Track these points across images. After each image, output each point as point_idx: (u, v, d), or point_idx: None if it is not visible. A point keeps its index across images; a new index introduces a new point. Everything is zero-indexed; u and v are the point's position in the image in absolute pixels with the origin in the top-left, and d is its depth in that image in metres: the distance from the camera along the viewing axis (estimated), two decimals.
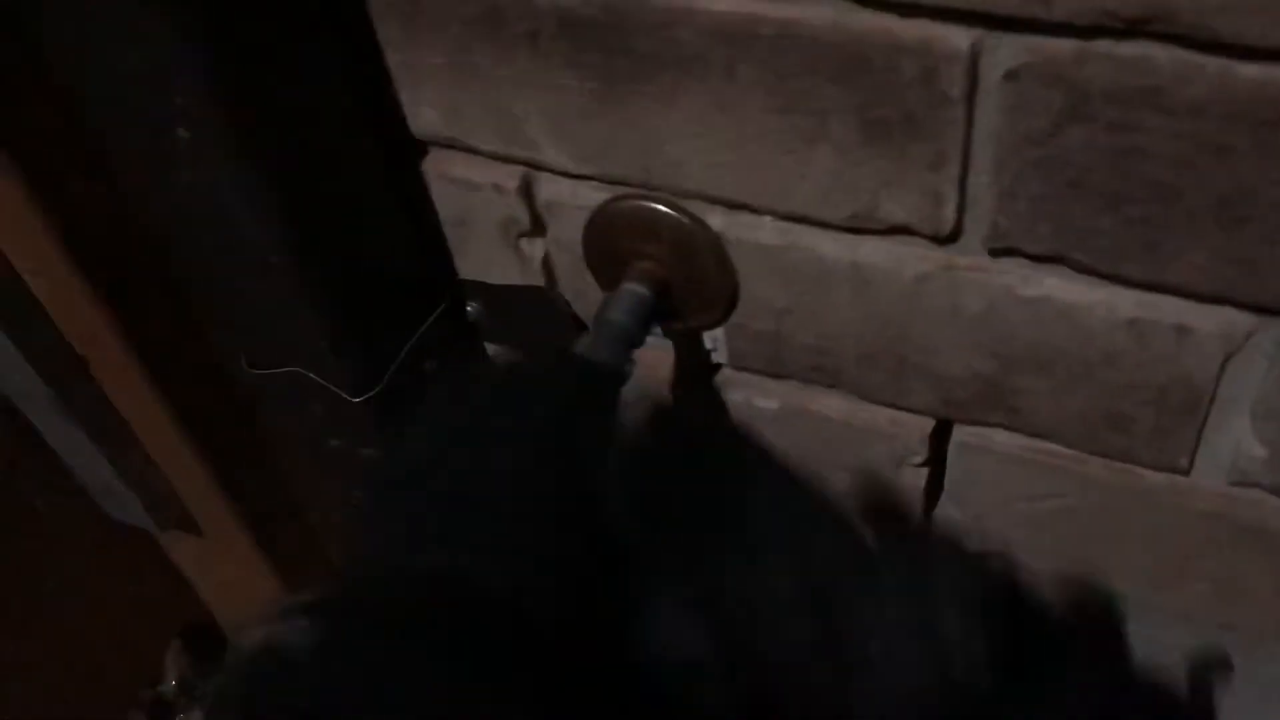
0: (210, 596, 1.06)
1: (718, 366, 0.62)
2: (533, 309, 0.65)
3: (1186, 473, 0.53)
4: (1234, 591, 0.56)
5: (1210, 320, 0.46)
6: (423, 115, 0.57)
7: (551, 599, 0.33)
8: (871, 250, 0.51)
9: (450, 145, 0.58)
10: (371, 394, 0.62)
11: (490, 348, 0.71)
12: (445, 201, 0.62)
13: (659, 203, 0.53)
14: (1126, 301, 0.47)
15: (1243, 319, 0.45)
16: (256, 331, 0.61)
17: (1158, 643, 0.63)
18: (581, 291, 0.62)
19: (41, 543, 0.91)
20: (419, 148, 0.60)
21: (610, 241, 0.56)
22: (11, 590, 0.92)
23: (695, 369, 0.63)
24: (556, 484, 0.38)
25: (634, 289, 0.54)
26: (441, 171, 0.60)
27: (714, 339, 0.60)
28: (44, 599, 0.95)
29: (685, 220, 0.53)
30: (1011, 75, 0.41)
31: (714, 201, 0.53)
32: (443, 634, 0.32)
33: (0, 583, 0.91)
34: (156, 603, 1.05)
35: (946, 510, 0.63)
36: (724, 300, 0.56)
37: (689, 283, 0.55)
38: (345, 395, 0.62)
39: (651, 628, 0.35)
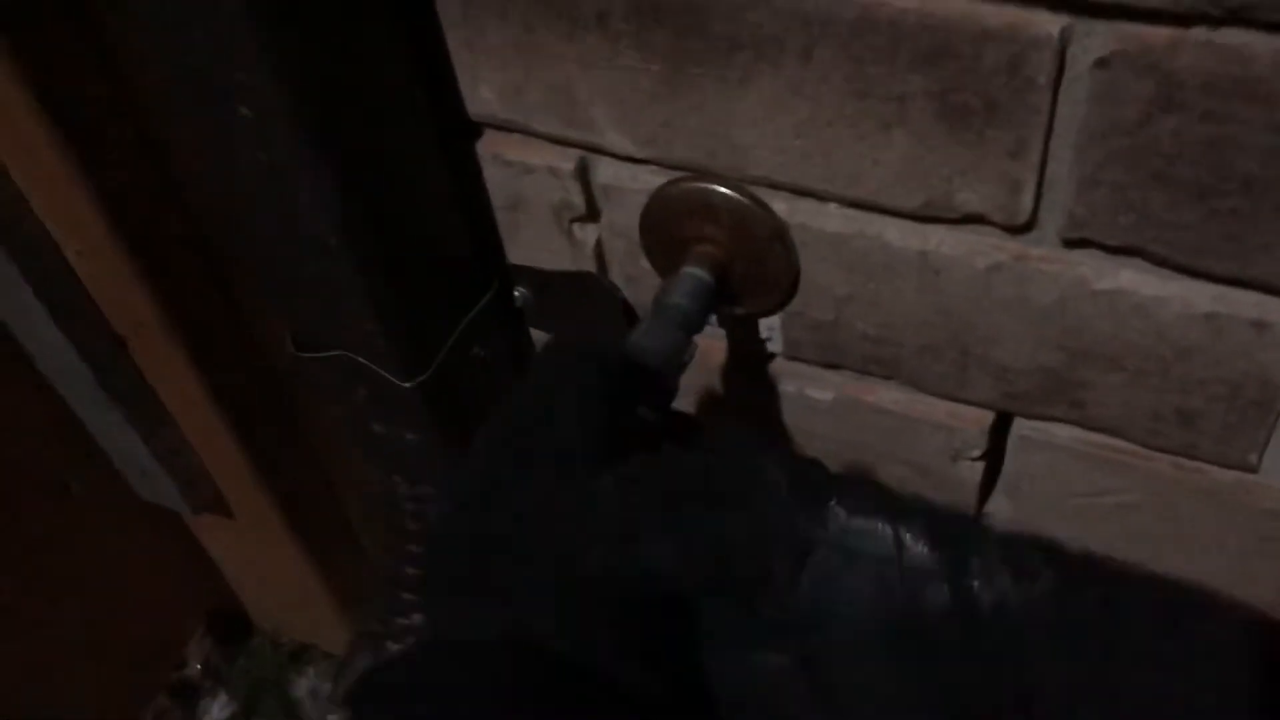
0: (238, 580, 1.06)
1: (771, 356, 0.61)
2: (583, 295, 0.64)
3: (1255, 470, 0.52)
4: None
5: None
6: (480, 96, 0.56)
7: (625, 660, 0.33)
8: (941, 239, 0.50)
9: (507, 127, 0.58)
10: (421, 379, 0.61)
11: (535, 334, 0.71)
12: (498, 184, 0.61)
13: (721, 185, 0.53)
14: (1203, 296, 0.46)
15: None
16: (307, 314, 0.60)
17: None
18: (634, 278, 0.62)
19: (72, 523, 0.91)
20: (473, 129, 0.59)
21: (669, 224, 0.55)
22: (41, 570, 0.92)
23: (749, 358, 0.62)
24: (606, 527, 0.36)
25: (694, 272, 0.53)
26: (496, 154, 0.59)
27: (770, 328, 0.59)
28: (72, 580, 0.94)
29: (748, 203, 0.52)
30: (1102, 63, 0.40)
31: (779, 188, 0.52)
32: (524, 705, 0.31)
33: (29, 562, 0.90)
34: (184, 586, 1.04)
35: (999, 504, 0.62)
36: (783, 286, 0.55)
37: (748, 268, 0.55)
38: (394, 379, 0.61)
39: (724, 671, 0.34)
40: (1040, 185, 0.46)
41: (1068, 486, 0.58)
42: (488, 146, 0.59)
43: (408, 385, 0.61)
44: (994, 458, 0.60)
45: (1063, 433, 0.56)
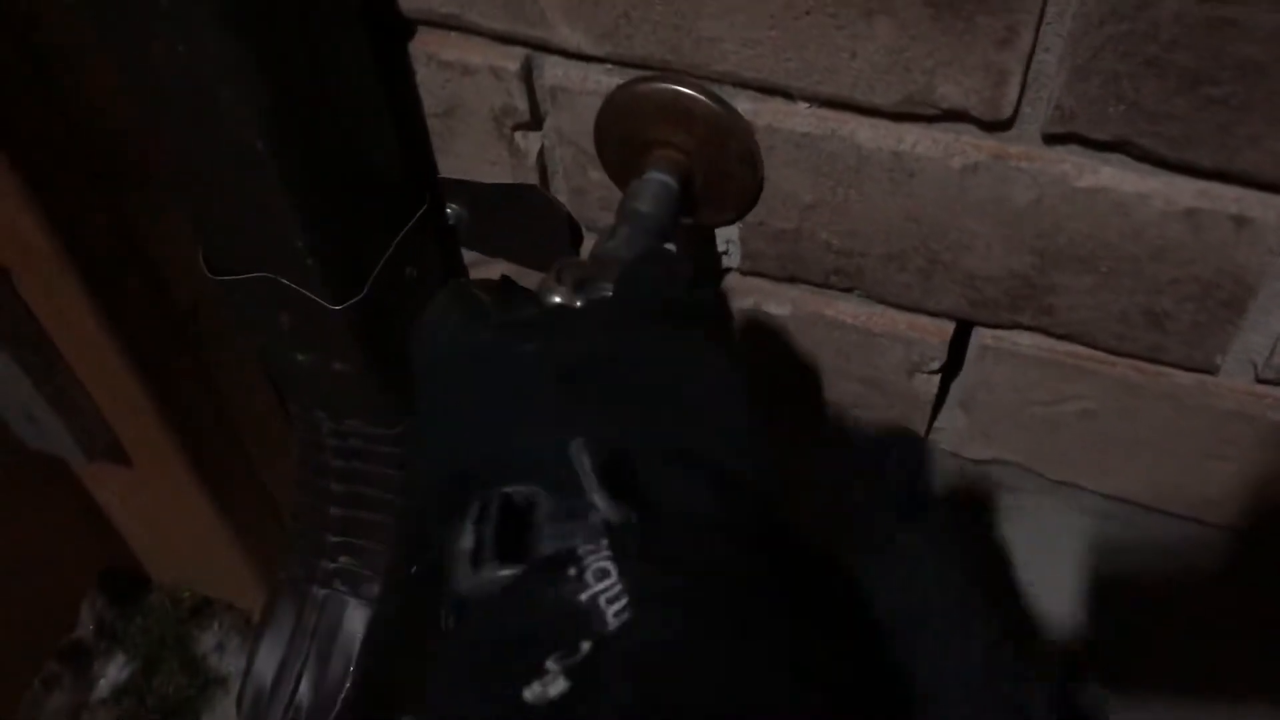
0: (134, 533, 0.99)
1: (727, 270, 0.59)
2: (523, 211, 0.60)
3: (1216, 372, 0.52)
4: (1252, 492, 0.56)
5: (1271, 210, 0.44)
6: None
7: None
8: (916, 139, 0.48)
9: (444, 23, 0.53)
10: (352, 301, 0.57)
11: (467, 255, 0.67)
12: (432, 88, 0.56)
13: (685, 85, 0.49)
14: (1185, 191, 0.45)
15: None
16: (224, 231, 0.55)
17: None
18: (581, 190, 0.58)
19: None
20: (405, 27, 0.55)
21: (629, 127, 0.52)
22: None
23: (704, 273, 0.59)
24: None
25: (659, 177, 0.50)
26: (431, 53, 0.55)
27: (727, 240, 0.57)
28: None
29: (713, 104, 0.49)
30: None
31: (746, 85, 0.49)
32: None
33: None
34: (73, 541, 0.97)
35: (953, 416, 0.62)
36: (746, 194, 0.53)
37: (711, 174, 0.52)
38: (323, 303, 0.56)
39: None
40: (1026, 76, 0.44)
41: (1027, 395, 0.57)
42: (421, 45, 0.55)
43: (337, 309, 0.56)
44: (950, 370, 0.59)
45: (1026, 340, 0.55)
